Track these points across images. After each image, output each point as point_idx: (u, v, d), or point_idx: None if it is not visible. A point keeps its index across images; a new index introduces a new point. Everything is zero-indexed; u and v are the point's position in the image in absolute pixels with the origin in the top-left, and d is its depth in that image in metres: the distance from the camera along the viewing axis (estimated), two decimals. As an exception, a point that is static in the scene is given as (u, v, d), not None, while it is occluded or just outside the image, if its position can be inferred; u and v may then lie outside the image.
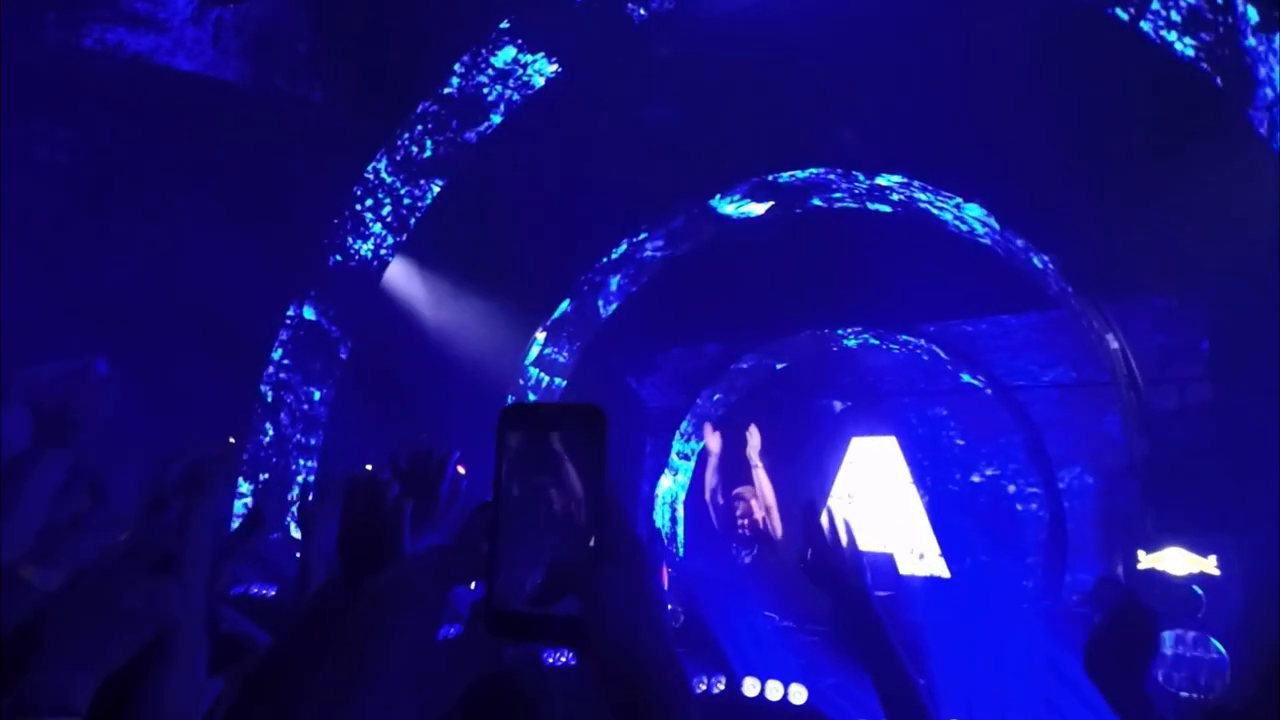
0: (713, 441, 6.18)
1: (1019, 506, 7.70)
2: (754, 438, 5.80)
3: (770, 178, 6.17)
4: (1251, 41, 3.15)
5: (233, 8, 5.69)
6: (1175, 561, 5.17)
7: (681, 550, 8.17)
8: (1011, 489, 7.78)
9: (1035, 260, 5.59)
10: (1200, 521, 4.97)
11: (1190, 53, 3.58)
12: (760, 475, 5.53)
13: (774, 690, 4.46)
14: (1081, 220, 4.99)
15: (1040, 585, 7.19)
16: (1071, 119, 4.58)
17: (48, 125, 5.38)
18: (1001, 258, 6.00)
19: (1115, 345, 5.46)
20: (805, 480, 8.11)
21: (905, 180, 5.71)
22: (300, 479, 5.69)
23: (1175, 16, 3.51)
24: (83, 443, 1.50)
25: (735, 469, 6.13)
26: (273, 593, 3.96)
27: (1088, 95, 4.37)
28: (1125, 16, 3.69)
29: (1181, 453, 5.36)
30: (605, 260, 6.74)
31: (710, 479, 6.16)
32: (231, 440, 5.68)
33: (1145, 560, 5.24)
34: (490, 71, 5.59)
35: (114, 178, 5.24)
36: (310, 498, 2.24)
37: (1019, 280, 6.06)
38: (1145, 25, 3.65)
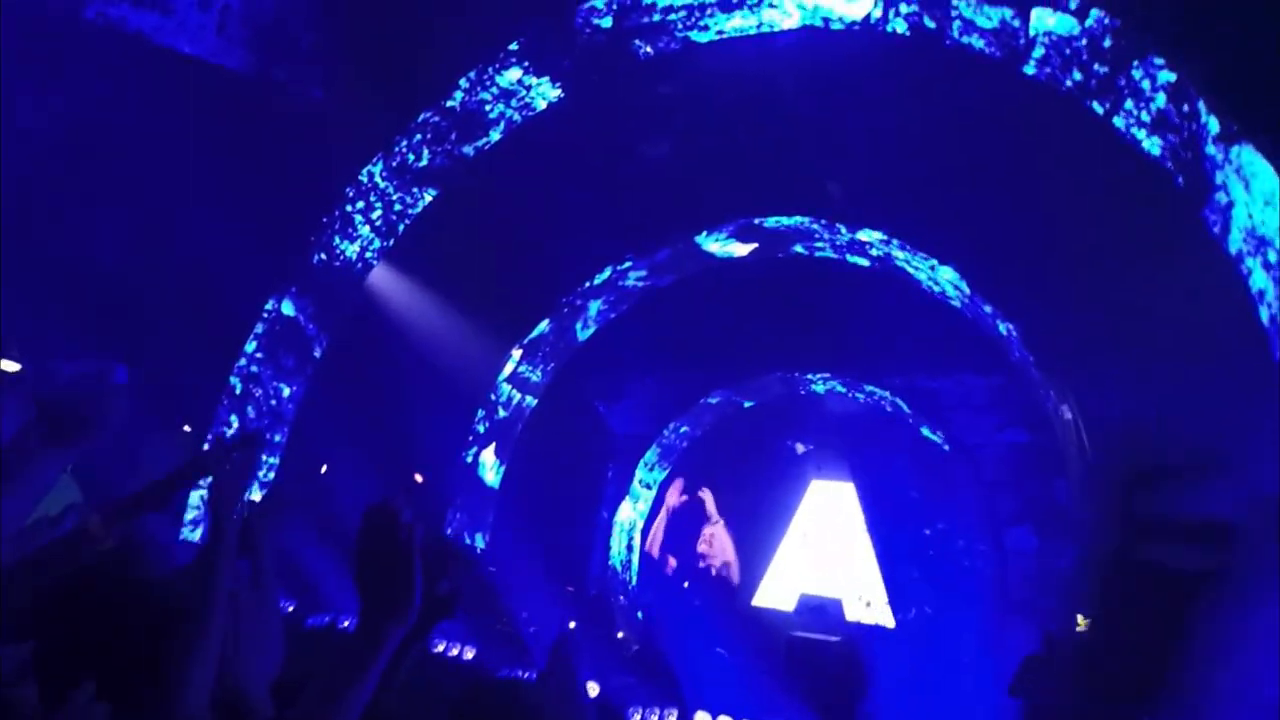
0: (672, 497, 6.23)
1: (966, 563, 7.89)
2: (709, 499, 5.86)
3: (756, 221, 6.36)
4: (1211, 149, 3.39)
5: (241, -2, 5.73)
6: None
7: (635, 579, 8.19)
8: (960, 544, 7.97)
9: (1001, 326, 5.83)
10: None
11: (1157, 151, 3.83)
12: (721, 531, 5.61)
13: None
14: (1047, 294, 5.24)
15: (982, 642, 7.35)
16: (1045, 198, 4.83)
17: (40, 92, 5.34)
18: (969, 320, 6.24)
19: (1069, 416, 5.69)
20: (763, 517, 8.22)
21: (885, 238, 5.93)
22: (233, 422, 5.57)
23: (1145, 117, 3.76)
24: (88, 450, 1.52)
25: (690, 521, 6.21)
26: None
27: (1061, 178, 4.63)
28: (1100, 110, 3.94)
29: (1124, 525, 5.58)
30: (587, 285, 6.84)
31: (657, 533, 6.22)
32: (186, 429, 5.61)
33: (1082, 623, 5.43)
34: (494, 89, 5.70)
35: (104, 153, 5.20)
36: (256, 506, 2.22)
37: (984, 344, 6.30)
38: (1118, 121, 3.90)
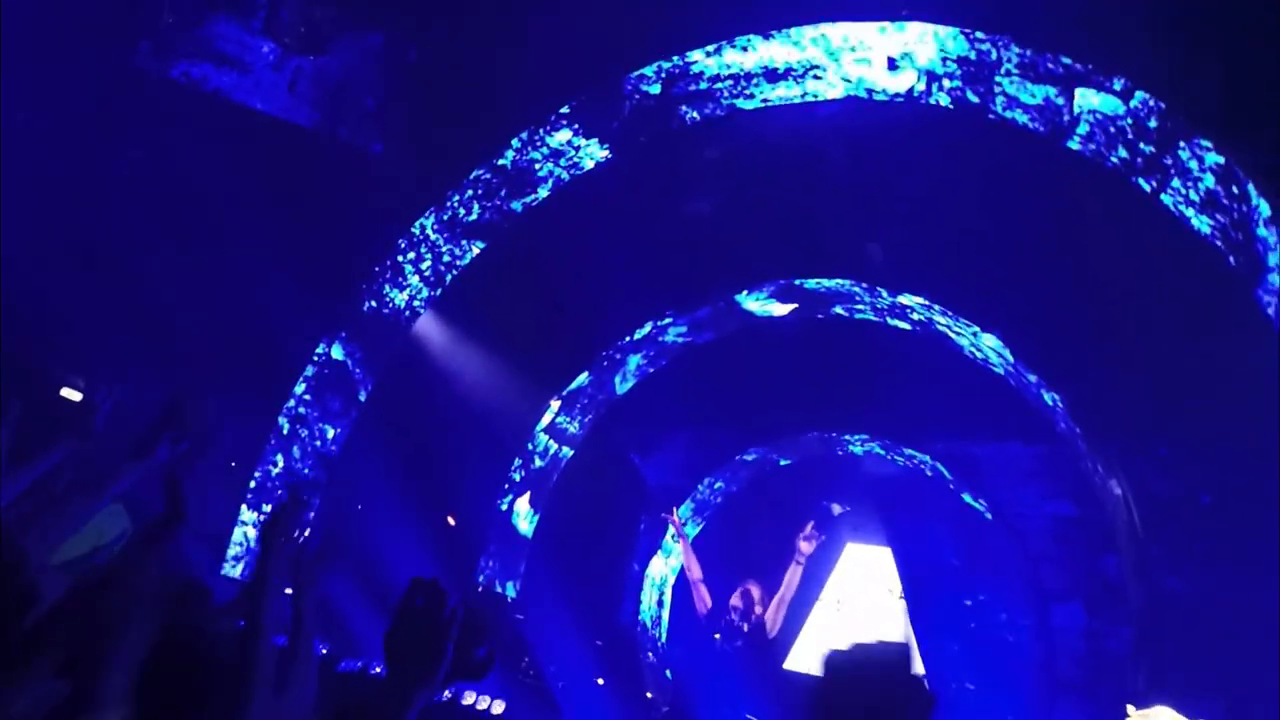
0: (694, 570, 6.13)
1: (1009, 637, 7.59)
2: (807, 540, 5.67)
3: (797, 282, 6.40)
4: (1263, 231, 3.34)
5: (312, 59, 6.10)
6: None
7: (665, 637, 8.07)
8: (1003, 617, 7.68)
9: (1046, 397, 5.72)
10: (1192, 682, 4.92)
11: (1206, 230, 3.79)
12: (797, 571, 5.48)
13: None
14: (1094, 366, 5.14)
15: (1024, 721, 7.03)
16: (1091, 269, 4.78)
17: (122, 143, 5.72)
18: (1013, 389, 6.14)
19: (1119, 491, 5.52)
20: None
21: (927, 303, 5.91)
22: (299, 532, 5.73)
23: (1194, 196, 3.73)
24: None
25: (730, 561, 6.13)
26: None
27: (1107, 250, 4.59)
28: (1148, 188, 3.92)
29: (1178, 607, 5.35)
30: (628, 339, 6.93)
31: (694, 566, 6.13)
32: (233, 465, 5.78)
33: (1134, 715, 5.17)
34: (545, 149, 5.91)
35: (176, 198, 5.53)
36: (307, 552, 2.29)
37: (1029, 413, 6.17)
38: (1166, 199, 3.87)
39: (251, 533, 5.46)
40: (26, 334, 4.34)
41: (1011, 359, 5.65)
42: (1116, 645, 6.49)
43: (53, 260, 4.98)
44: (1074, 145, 4.21)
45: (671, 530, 7.01)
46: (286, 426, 5.98)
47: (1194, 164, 3.64)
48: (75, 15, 5.14)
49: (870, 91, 4.91)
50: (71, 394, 4.73)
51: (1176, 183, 3.76)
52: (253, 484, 5.69)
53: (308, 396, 6.06)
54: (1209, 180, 3.62)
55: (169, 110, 5.54)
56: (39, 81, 5.04)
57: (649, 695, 6.38)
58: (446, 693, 4.07)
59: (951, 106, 4.57)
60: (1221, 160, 3.50)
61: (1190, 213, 3.82)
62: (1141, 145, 3.82)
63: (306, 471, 6.03)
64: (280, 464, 5.90)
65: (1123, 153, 3.97)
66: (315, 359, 6.04)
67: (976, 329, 5.68)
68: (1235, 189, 3.46)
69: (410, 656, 1.25)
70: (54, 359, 4.52)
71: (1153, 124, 3.69)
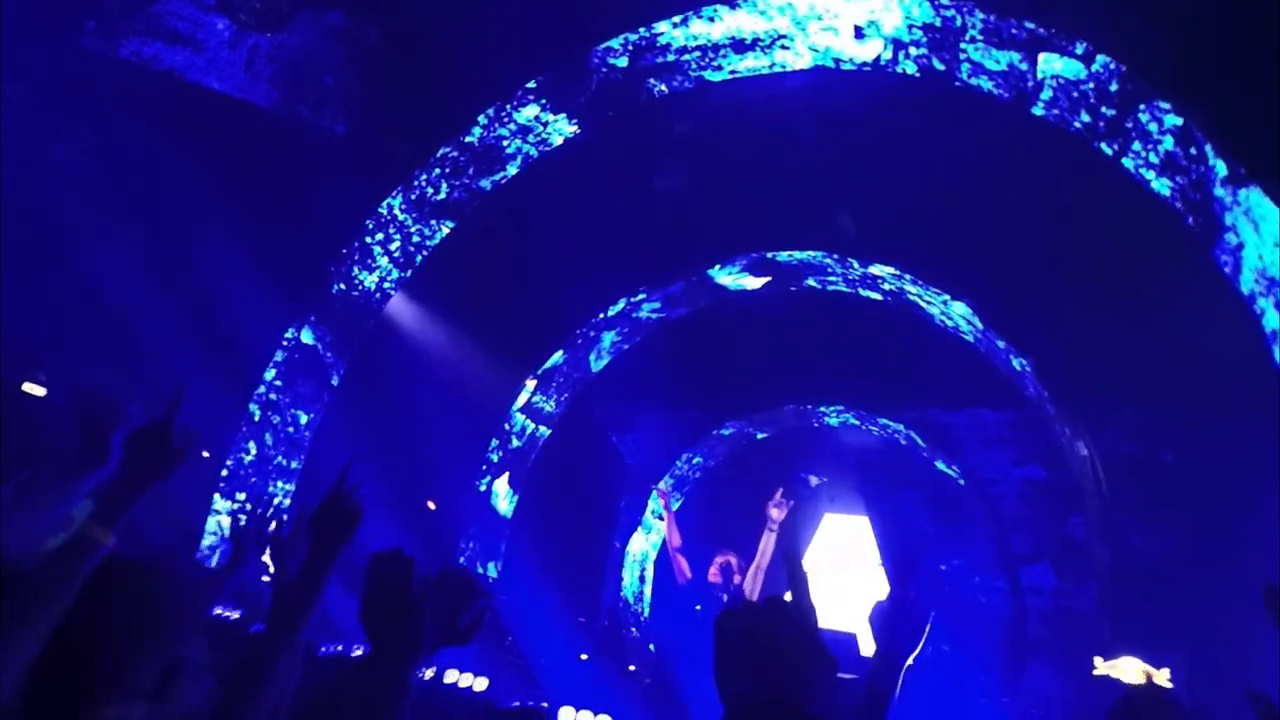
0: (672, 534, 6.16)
1: (982, 599, 7.78)
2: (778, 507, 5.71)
3: (769, 255, 6.41)
4: (1220, 191, 3.41)
5: (269, 36, 5.94)
6: (1129, 670, 5.26)
7: (648, 611, 8.14)
8: (977, 580, 7.87)
9: (1015, 362, 5.82)
10: (1156, 633, 5.08)
11: (1166, 191, 3.85)
12: (770, 538, 5.52)
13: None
14: (1061, 330, 5.24)
15: (998, 681, 7.22)
16: (1056, 235, 4.86)
17: (72, 126, 5.53)
18: (983, 355, 6.24)
19: (1085, 452, 5.65)
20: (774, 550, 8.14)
21: (898, 272, 5.96)
22: (272, 508, 5.68)
23: (1154, 158, 3.79)
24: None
25: (709, 534, 6.18)
26: (237, 615, 3.97)
27: (1072, 216, 4.66)
28: (1109, 151, 3.98)
29: (1142, 563, 5.51)
30: (602, 316, 6.91)
31: (675, 535, 6.17)
32: (205, 455, 5.69)
33: (1101, 667, 5.33)
34: (512, 125, 5.83)
35: (131, 184, 5.36)
36: (281, 529, 2.28)
37: (998, 379, 6.29)
38: (1127, 162, 3.93)
39: (225, 521, 5.38)
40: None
41: (981, 326, 5.74)
42: (1083, 603, 6.68)
43: (2, 255, 4.83)
44: (1038, 111, 4.25)
45: (658, 503, 7.03)
46: (258, 413, 5.88)
47: (1154, 126, 3.70)
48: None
49: (838, 61, 4.90)
50: (34, 389, 4.61)
51: (1137, 145, 3.82)
52: (224, 472, 5.60)
53: (278, 382, 5.96)
54: (1168, 142, 3.68)
55: (118, 90, 5.36)
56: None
57: (632, 668, 6.45)
58: (429, 671, 4.08)
59: (918, 74, 4.58)
60: (1180, 122, 3.55)
61: (1150, 175, 3.88)
62: (1103, 109, 3.87)
63: (280, 459, 5.96)
64: (253, 451, 5.81)
65: (1085, 117, 4.01)
66: (285, 344, 5.94)
67: (947, 297, 5.75)
68: (1193, 150, 3.52)
69: (389, 630, 1.24)
70: (7, 357, 4.39)
71: (1114, 87, 3.73)
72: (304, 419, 6.11)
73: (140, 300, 5.18)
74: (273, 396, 5.94)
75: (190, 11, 5.66)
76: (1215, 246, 3.65)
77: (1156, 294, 4.40)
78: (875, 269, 6.07)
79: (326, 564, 1.51)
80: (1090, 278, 4.80)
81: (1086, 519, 6.35)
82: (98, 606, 1.41)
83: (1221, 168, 3.34)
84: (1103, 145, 4.00)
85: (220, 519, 5.45)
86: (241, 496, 5.55)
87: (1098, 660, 5.21)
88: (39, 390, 4.67)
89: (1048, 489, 6.98)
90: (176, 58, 5.61)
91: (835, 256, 6.13)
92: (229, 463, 5.66)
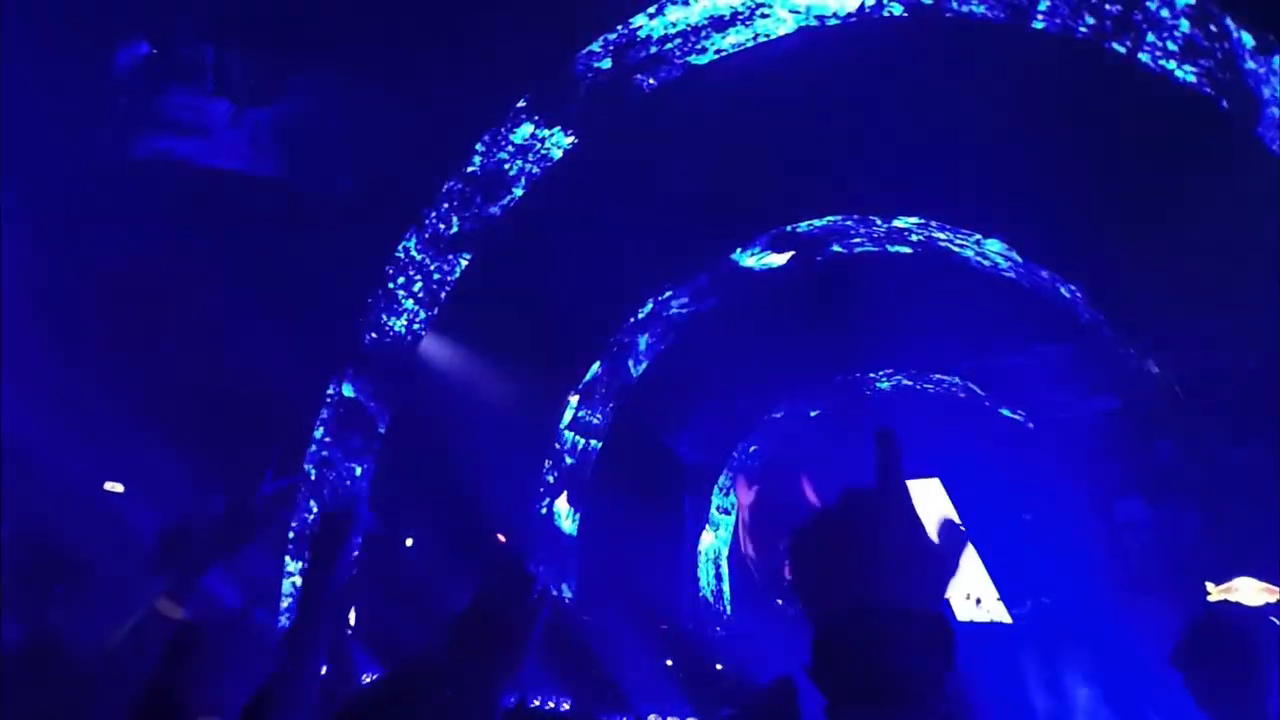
0: (743, 495, 6.10)
1: (1076, 543, 7.43)
2: (808, 489, 5.64)
3: (789, 228, 6.27)
4: (1251, 64, 3.18)
5: (269, 109, 6.09)
6: (1247, 592, 4.94)
7: (729, 608, 8.01)
8: (1066, 524, 7.52)
9: (1063, 290, 5.55)
10: (1268, 549, 4.76)
11: (1191, 79, 3.62)
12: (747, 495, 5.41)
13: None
14: (1106, 249, 4.97)
15: (1110, 627, 6.87)
16: (1082, 150, 4.61)
17: (103, 230, 5.75)
18: (1028, 290, 5.97)
19: (1156, 370, 5.35)
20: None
21: (922, 221, 5.76)
22: (313, 509, 5.75)
23: (1171, 46, 3.56)
24: None
25: (770, 520, 6.05)
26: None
27: (1095, 126, 4.41)
28: (1123, 50, 3.75)
29: (1241, 478, 5.18)
30: (633, 320, 6.85)
31: (743, 537, 6.08)
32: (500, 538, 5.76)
33: (1215, 592, 5.02)
34: (510, 148, 5.84)
35: (163, 273, 5.54)
36: (323, 528, 2.25)
37: (1049, 311, 6.00)
38: (1143, 56, 3.70)
39: (299, 582, 5.47)
40: (42, 436, 4.36)
41: (1020, 259, 5.49)
42: (1184, 530, 6.32)
43: (53, 359, 5.01)
44: (1039, 25, 4.05)
45: (732, 497, 6.91)
46: (314, 472, 5.98)
47: (1165, 11, 3.47)
48: (45, 112, 5.15)
49: (821, 19, 4.77)
50: (114, 486, 4.78)
51: (1151, 37, 3.60)
52: (291, 534, 5.70)
53: (328, 439, 6.05)
54: (1184, 25, 3.45)
55: (142, 188, 5.56)
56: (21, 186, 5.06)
57: (719, 668, 6.33)
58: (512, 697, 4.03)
59: (906, 14, 4.42)
60: (1192, 0, 3.33)
61: (1171, 65, 3.65)
62: (1107, 6, 3.65)
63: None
64: (314, 510, 5.91)
65: (1090, 20, 3.80)
66: (328, 400, 6.04)
67: (979, 236, 5.53)
68: (1213, 27, 3.29)
69: (490, 645, 1.14)
70: (79, 458, 4.54)
71: (1114, -19, 3.53)
72: (358, 471, 6.18)
73: (184, 380, 5.32)
74: (325, 454, 6.03)
75: (192, 101, 5.86)
76: (1258, 124, 3.40)
77: (1203, 191, 4.13)
78: (899, 221, 5.88)
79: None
80: (1126, 188, 4.54)
81: (1174, 440, 6.01)
82: (176, 670, 1.47)
83: (1248, 39, 3.11)
84: (1114, 45, 3.78)
85: (295, 580, 5.54)
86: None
87: (1210, 586, 4.90)
88: (118, 487, 4.84)
89: (1125, 416, 6.63)
90: (188, 147, 5.80)
91: (855, 217, 5.96)
92: (294, 525, 5.76)
